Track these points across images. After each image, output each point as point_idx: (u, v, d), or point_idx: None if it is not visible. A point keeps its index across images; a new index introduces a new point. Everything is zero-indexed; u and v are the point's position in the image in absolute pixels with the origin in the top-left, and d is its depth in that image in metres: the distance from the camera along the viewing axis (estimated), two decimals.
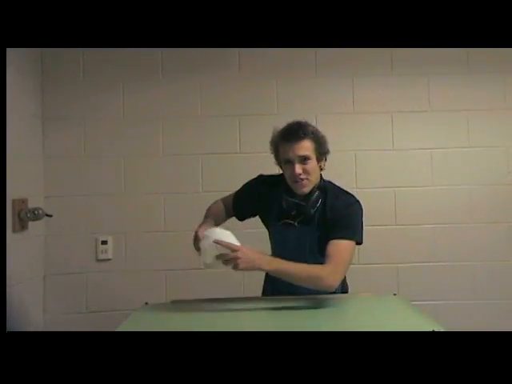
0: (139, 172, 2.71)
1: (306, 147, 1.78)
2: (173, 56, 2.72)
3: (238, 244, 1.65)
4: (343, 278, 1.84)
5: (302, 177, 1.79)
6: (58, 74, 2.70)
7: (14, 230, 2.31)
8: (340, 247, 1.73)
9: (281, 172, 1.93)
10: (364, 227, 1.83)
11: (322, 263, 1.72)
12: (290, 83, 2.72)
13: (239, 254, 1.61)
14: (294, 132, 1.79)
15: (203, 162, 2.71)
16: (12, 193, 2.25)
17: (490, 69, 2.74)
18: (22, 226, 2.38)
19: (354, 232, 1.78)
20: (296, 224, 1.85)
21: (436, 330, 1.41)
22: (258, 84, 2.72)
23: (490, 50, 2.60)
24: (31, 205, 2.44)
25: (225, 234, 1.68)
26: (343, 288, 1.99)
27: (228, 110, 2.72)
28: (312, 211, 1.83)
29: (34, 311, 2.56)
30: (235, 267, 1.62)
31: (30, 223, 2.44)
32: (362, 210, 1.84)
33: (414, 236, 2.70)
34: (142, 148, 2.71)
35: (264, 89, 2.72)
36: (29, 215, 2.38)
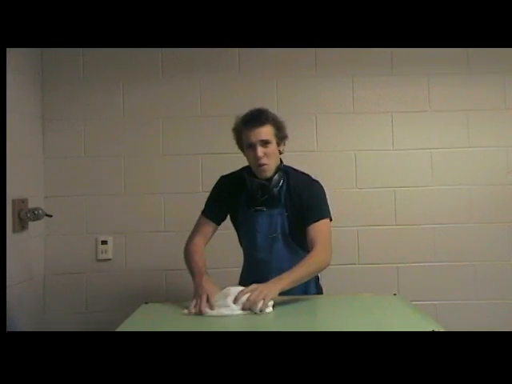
0: (139, 172, 2.71)
1: (266, 132, 1.89)
2: (173, 56, 2.72)
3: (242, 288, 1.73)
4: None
5: (263, 160, 1.88)
6: (57, 74, 2.70)
7: (14, 230, 2.31)
8: (320, 228, 1.88)
9: (239, 168, 2.04)
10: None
11: (292, 245, 1.92)
12: (289, 83, 2.72)
13: (262, 288, 1.68)
14: (256, 118, 1.90)
15: (203, 162, 2.71)
16: (12, 193, 2.25)
17: (490, 69, 2.74)
18: (21, 225, 2.37)
19: (326, 210, 1.94)
20: (265, 209, 1.95)
21: (436, 329, 1.41)
22: (257, 84, 2.72)
23: (489, 50, 2.60)
24: (31, 205, 2.44)
25: (233, 290, 1.72)
26: (318, 289, 2.06)
27: (228, 110, 2.71)
28: (275, 190, 1.93)
29: (34, 311, 2.56)
30: (266, 299, 1.66)
31: (30, 223, 2.44)
32: (322, 188, 1.98)
33: (414, 236, 2.70)
34: (142, 148, 2.71)
35: (264, 89, 2.72)
36: (29, 215, 2.38)
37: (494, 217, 2.70)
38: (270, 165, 1.91)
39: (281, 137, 1.94)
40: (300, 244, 1.95)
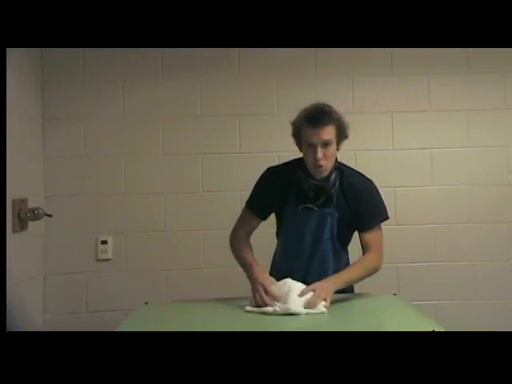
0: (139, 172, 2.71)
1: (328, 132, 1.82)
2: (173, 56, 2.72)
3: (301, 284, 1.71)
4: None
5: (322, 162, 1.81)
6: (58, 74, 2.70)
7: (13, 230, 2.31)
8: (376, 234, 1.92)
9: (288, 160, 1.97)
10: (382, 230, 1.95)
11: (339, 250, 1.91)
12: (289, 83, 2.72)
13: (322, 292, 1.67)
14: (321, 118, 1.81)
15: (203, 161, 2.71)
16: (12, 193, 2.25)
17: (490, 69, 2.74)
18: (21, 226, 2.37)
19: (381, 214, 1.95)
20: (315, 208, 1.88)
21: (436, 329, 1.41)
22: (258, 84, 2.72)
23: (490, 49, 2.60)
24: (31, 205, 2.44)
25: (292, 282, 1.72)
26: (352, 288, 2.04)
27: (228, 109, 2.72)
28: (332, 191, 1.88)
29: (34, 311, 2.56)
30: (324, 301, 1.67)
31: (30, 223, 2.44)
32: (376, 187, 1.95)
33: (414, 236, 2.70)
34: (142, 148, 2.71)
35: (264, 89, 2.72)
36: (29, 215, 2.38)
37: (494, 217, 2.70)
38: (327, 166, 1.84)
39: (342, 137, 1.89)
40: (343, 245, 1.95)
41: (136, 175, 2.70)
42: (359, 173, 1.97)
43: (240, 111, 2.71)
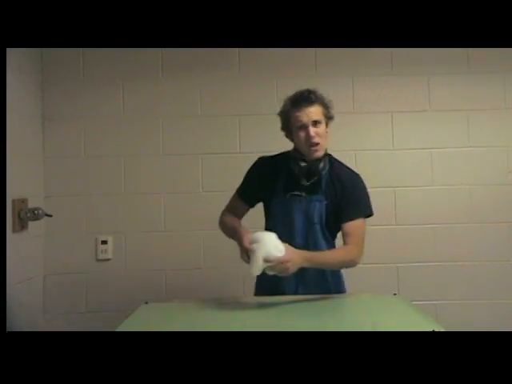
0: (139, 172, 2.71)
1: (317, 111, 1.87)
2: (173, 56, 2.72)
3: (283, 248, 1.69)
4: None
5: (316, 140, 1.86)
6: (58, 74, 2.70)
7: (13, 230, 2.31)
8: (356, 226, 1.89)
9: (280, 152, 2.00)
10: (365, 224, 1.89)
11: (328, 235, 1.91)
12: (289, 83, 2.70)
13: (289, 265, 1.67)
14: (306, 97, 1.86)
15: (203, 161, 2.71)
16: (12, 193, 2.25)
17: (490, 69, 2.74)
18: (21, 225, 2.38)
19: (366, 208, 1.94)
20: (303, 194, 1.92)
21: (436, 329, 1.41)
22: (258, 84, 2.72)
23: (490, 49, 2.60)
24: (31, 205, 2.44)
25: (270, 240, 1.71)
26: (341, 288, 2.03)
27: (228, 109, 2.72)
28: (323, 173, 1.91)
29: (34, 311, 2.56)
30: (286, 273, 1.69)
31: (30, 223, 2.44)
32: (364, 182, 1.97)
33: (414, 236, 2.70)
34: (142, 148, 2.71)
35: (264, 89, 2.72)
36: (29, 215, 2.38)
37: (494, 217, 2.70)
38: (322, 144, 1.88)
39: (329, 117, 1.92)
40: (332, 235, 1.96)
41: (136, 175, 2.70)
42: (348, 167, 2.00)
43: (240, 111, 2.71)
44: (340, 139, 2.70)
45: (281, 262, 1.66)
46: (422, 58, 2.72)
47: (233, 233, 1.87)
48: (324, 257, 1.83)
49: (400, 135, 2.73)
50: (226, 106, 2.72)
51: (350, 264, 1.87)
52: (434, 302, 2.64)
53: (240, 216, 2.02)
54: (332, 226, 1.95)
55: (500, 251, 2.70)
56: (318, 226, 1.92)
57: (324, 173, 1.92)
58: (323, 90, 2.68)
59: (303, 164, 1.90)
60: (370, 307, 1.80)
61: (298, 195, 1.92)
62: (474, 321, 2.58)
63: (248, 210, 2.03)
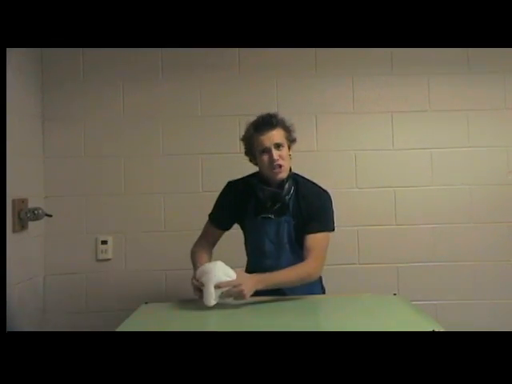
0: (139, 172, 2.70)
1: (279, 135, 1.92)
2: (173, 55, 2.71)
3: (234, 274, 1.75)
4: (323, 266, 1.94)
5: (279, 162, 1.89)
6: (58, 74, 2.69)
7: (14, 230, 2.31)
8: (317, 240, 1.89)
9: (247, 174, 2.05)
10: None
11: (299, 252, 1.91)
12: (290, 83, 2.72)
13: (243, 287, 1.71)
14: (268, 122, 1.91)
15: (203, 162, 2.71)
16: (12, 193, 2.25)
17: (490, 69, 2.74)
18: (21, 225, 2.37)
19: (328, 223, 1.95)
20: (272, 217, 1.96)
21: (436, 329, 1.41)
22: (258, 84, 2.72)
23: (490, 49, 2.60)
24: (31, 205, 2.43)
25: (219, 268, 1.75)
26: (322, 290, 2.08)
27: (228, 109, 2.72)
28: (287, 198, 1.94)
29: (34, 311, 2.56)
30: (242, 298, 1.73)
31: (30, 223, 2.44)
32: (330, 199, 1.99)
33: (414, 236, 2.70)
34: (142, 148, 2.71)
35: (264, 89, 2.72)
36: (29, 215, 2.38)
37: (494, 217, 2.70)
38: (285, 166, 1.92)
39: (291, 140, 1.97)
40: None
41: (136, 175, 2.70)
42: (315, 183, 2.02)
43: (240, 111, 2.71)
44: (340, 139, 2.71)
45: (233, 285, 1.71)
46: (422, 58, 2.72)
47: (194, 267, 1.95)
48: (278, 277, 1.82)
49: (400, 135, 2.73)
50: (226, 106, 2.71)
51: (307, 278, 1.86)
52: (434, 302, 2.63)
53: (213, 242, 2.07)
54: (302, 242, 1.96)
55: (500, 251, 2.70)
56: (287, 246, 1.96)
57: (288, 197, 1.95)
58: (323, 90, 2.72)
59: (267, 189, 1.94)
60: (370, 307, 1.80)
61: (267, 217, 1.96)
62: (474, 321, 2.58)
63: (222, 233, 2.08)
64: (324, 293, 2.09)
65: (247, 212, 2.00)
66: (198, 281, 1.77)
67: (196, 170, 2.70)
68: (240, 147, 2.68)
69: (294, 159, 2.04)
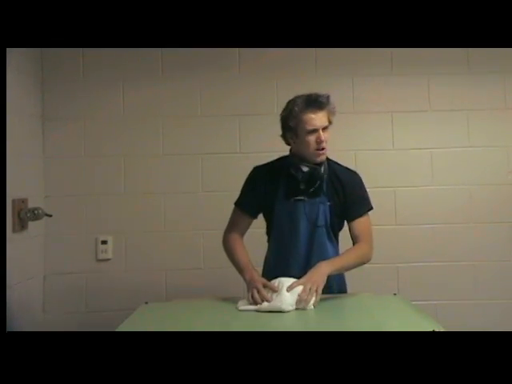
0: (139, 172, 2.71)
1: (327, 117, 1.87)
2: (173, 56, 2.71)
3: (294, 280, 1.74)
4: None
5: (324, 145, 1.87)
6: (57, 74, 2.70)
7: (14, 230, 2.31)
8: (364, 223, 1.95)
9: (249, 171, 2.01)
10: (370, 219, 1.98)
11: (333, 238, 1.94)
12: (289, 83, 2.72)
13: (313, 286, 1.71)
14: (321, 101, 1.85)
15: (203, 162, 2.71)
16: (12, 193, 2.25)
17: (490, 69, 2.74)
18: (21, 225, 2.37)
19: (369, 203, 1.99)
20: (306, 199, 1.92)
21: (436, 329, 1.41)
22: (258, 84, 2.72)
23: (489, 49, 2.60)
24: (31, 205, 2.44)
25: (284, 282, 1.74)
26: (343, 287, 2.04)
27: (228, 109, 2.72)
28: (325, 177, 1.92)
29: (34, 311, 2.56)
30: (318, 293, 1.73)
31: (30, 223, 2.44)
32: (361, 178, 2.00)
33: (414, 236, 2.70)
34: (142, 147, 2.71)
35: (264, 89, 2.72)
36: (29, 215, 2.38)
37: (494, 217, 2.70)
38: (327, 149, 1.90)
39: (331, 122, 1.91)
40: (335, 234, 1.98)
41: (136, 175, 2.70)
42: (343, 165, 2.02)
43: (240, 111, 2.71)
44: (340, 139, 2.70)
45: (301, 284, 1.71)
46: (422, 58, 2.72)
47: (240, 265, 1.91)
48: (343, 260, 1.86)
49: (400, 135, 2.73)
50: (226, 106, 2.71)
51: (365, 261, 1.91)
52: (434, 302, 2.64)
53: (244, 231, 2.02)
54: (335, 227, 1.96)
55: (500, 251, 2.70)
56: (323, 229, 1.92)
57: (325, 176, 1.93)
58: (323, 90, 2.70)
59: (305, 169, 1.89)
60: (370, 307, 1.80)
61: (300, 200, 1.92)
62: (474, 321, 2.58)
63: (251, 222, 2.02)
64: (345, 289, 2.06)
65: (277, 195, 1.94)
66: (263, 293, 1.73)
67: (196, 170, 2.70)
68: (240, 147, 2.71)
69: None
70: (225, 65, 2.73)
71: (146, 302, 1.90)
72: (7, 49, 1.69)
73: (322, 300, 1.79)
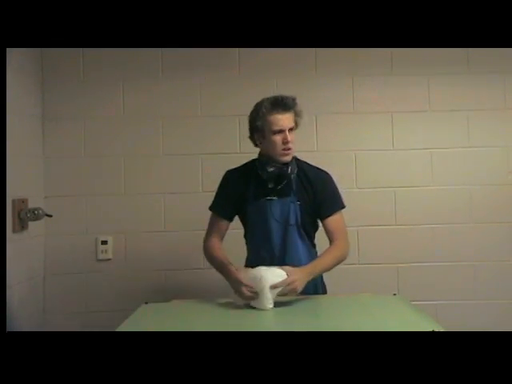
0: (139, 172, 2.70)
1: (292, 118, 1.92)
2: (173, 56, 2.71)
3: (283, 272, 1.74)
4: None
5: (291, 145, 1.90)
6: (57, 74, 2.69)
7: (14, 230, 2.31)
8: (337, 220, 1.96)
9: (244, 162, 2.05)
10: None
11: (305, 236, 1.96)
12: (290, 83, 2.72)
13: (296, 284, 1.73)
14: (286, 103, 1.90)
15: (203, 162, 2.71)
16: (12, 193, 2.25)
17: (490, 69, 2.73)
18: (21, 226, 2.37)
19: (340, 202, 2.01)
20: (276, 198, 1.95)
21: (436, 329, 1.41)
22: (257, 84, 2.71)
23: (489, 49, 2.60)
24: (31, 205, 2.44)
25: (268, 272, 1.75)
26: (323, 289, 2.07)
27: (228, 109, 2.72)
28: (292, 176, 1.94)
29: (34, 311, 2.56)
30: (295, 294, 1.76)
31: (30, 223, 2.44)
32: (332, 178, 2.02)
33: (414, 236, 2.70)
34: (142, 148, 2.71)
35: (264, 89, 2.71)
36: (29, 215, 2.38)
37: (494, 217, 2.70)
38: (293, 150, 1.93)
39: (298, 124, 1.96)
40: (308, 234, 1.99)
41: (136, 175, 2.70)
42: (314, 166, 2.04)
43: (240, 111, 2.69)
44: (340, 139, 2.71)
45: (287, 283, 1.71)
46: (422, 58, 2.72)
47: (221, 268, 1.92)
48: (321, 264, 1.87)
49: (400, 135, 2.73)
50: (226, 107, 2.71)
51: (342, 259, 1.94)
52: (434, 302, 2.63)
53: (222, 235, 2.04)
54: (306, 226, 1.98)
55: (500, 251, 2.70)
56: (294, 227, 1.95)
57: (293, 176, 1.95)
58: (323, 90, 2.72)
59: (271, 169, 1.93)
60: (370, 307, 1.80)
61: (271, 199, 1.95)
62: (474, 321, 2.58)
63: (228, 225, 2.05)
64: (325, 289, 2.08)
65: (248, 197, 1.98)
66: (250, 288, 1.74)
67: (196, 170, 2.70)
68: (240, 147, 2.71)
69: None
70: (225, 65, 2.73)
71: (146, 302, 1.91)
72: (7, 49, 1.69)
73: (322, 300, 1.79)
